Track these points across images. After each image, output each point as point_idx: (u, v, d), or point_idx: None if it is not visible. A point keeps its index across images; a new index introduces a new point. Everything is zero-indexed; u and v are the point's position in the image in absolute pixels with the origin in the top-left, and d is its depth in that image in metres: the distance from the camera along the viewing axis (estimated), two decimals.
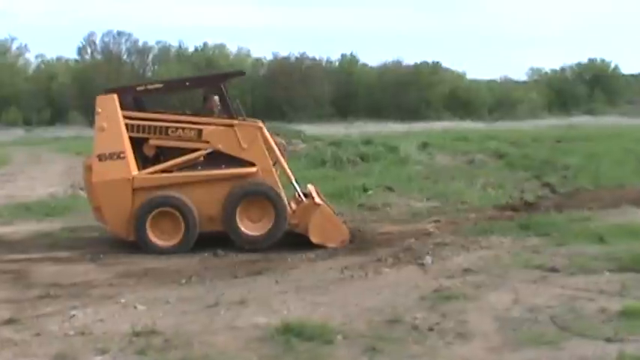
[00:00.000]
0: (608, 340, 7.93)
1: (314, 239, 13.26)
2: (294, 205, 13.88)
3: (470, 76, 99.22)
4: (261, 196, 13.35)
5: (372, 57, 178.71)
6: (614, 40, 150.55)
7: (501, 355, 7.72)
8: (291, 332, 8.28)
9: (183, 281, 11.12)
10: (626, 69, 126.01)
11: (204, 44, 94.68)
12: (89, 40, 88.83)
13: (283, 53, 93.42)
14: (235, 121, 13.58)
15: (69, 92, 78.22)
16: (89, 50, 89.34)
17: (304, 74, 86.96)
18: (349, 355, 7.78)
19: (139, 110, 13.67)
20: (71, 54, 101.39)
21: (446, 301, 9.59)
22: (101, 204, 13.27)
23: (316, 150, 29.31)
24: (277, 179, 13.70)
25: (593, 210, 16.15)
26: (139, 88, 14.02)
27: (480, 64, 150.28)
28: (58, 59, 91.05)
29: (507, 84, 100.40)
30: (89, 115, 47.51)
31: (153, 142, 13.47)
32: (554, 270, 11.02)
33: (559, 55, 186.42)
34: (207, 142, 13.47)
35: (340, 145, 31.03)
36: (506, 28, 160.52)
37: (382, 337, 8.28)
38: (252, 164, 13.47)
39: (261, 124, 13.79)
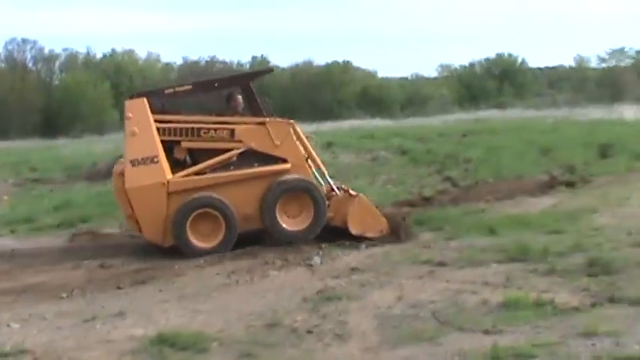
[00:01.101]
0: (486, 332, 7.86)
1: (353, 230, 13.23)
2: (327, 199, 13.66)
3: (382, 74, 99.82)
4: (300, 191, 13.29)
5: (284, 58, 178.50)
6: (521, 34, 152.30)
7: (378, 354, 7.58)
8: (165, 342, 8.07)
9: (64, 295, 10.77)
10: (534, 62, 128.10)
11: (113, 50, 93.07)
12: None
13: (193, 57, 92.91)
14: (267, 119, 13.45)
15: None
16: None
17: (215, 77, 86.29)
18: None
19: (164, 113, 13.42)
20: None
21: (328, 302, 9.43)
22: (135, 211, 12.99)
23: None
24: (311, 173, 13.68)
25: (489, 202, 16.30)
26: (167, 91, 13.83)
27: (391, 62, 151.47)
28: None
29: (418, 81, 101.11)
30: None
31: (185, 144, 13.28)
32: (442, 264, 10.98)
33: (468, 51, 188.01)
34: (240, 141, 13.32)
35: None
36: (416, 26, 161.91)
37: (259, 342, 8.10)
38: (285, 160, 13.39)
39: (292, 121, 13.72)
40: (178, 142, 13.28)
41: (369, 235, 13.19)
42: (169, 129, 13.17)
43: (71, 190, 23.98)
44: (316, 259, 11.81)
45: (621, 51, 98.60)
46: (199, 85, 14.75)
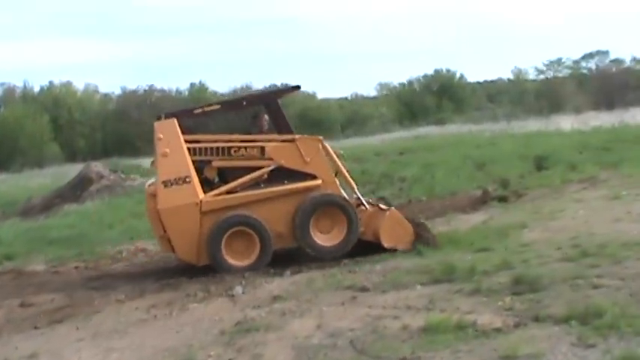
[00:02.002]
0: (404, 359, 7.55)
1: (386, 244, 13.31)
2: (360, 212, 13.75)
3: (321, 95, 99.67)
4: (333, 207, 13.41)
5: (222, 84, 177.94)
6: (460, 50, 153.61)
7: None
8: None
9: None
10: (473, 77, 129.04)
11: (50, 83, 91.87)
12: None
13: (131, 87, 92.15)
14: (297, 136, 13.61)
15: None
16: None
17: (154, 106, 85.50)
18: None
19: (193, 133, 13.56)
20: None
21: (246, 333, 9.12)
22: (169, 231, 13.06)
23: None
24: (340, 189, 13.79)
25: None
26: (196, 111, 14.09)
27: (330, 82, 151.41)
28: None
29: (358, 100, 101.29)
30: None
31: (216, 163, 13.39)
32: (364, 289, 10.68)
33: (407, 68, 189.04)
34: (271, 158, 13.46)
35: None
36: (354, 46, 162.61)
37: None
38: (314, 177, 13.51)
39: (320, 137, 13.88)
40: (209, 162, 13.36)
41: (400, 247, 13.30)
42: (200, 149, 13.29)
43: (1, 227, 23.44)
44: (238, 289, 11.48)
45: (558, 62, 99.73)
46: (228, 104, 15.17)
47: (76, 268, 15.48)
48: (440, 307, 9.35)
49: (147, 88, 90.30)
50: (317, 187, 13.49)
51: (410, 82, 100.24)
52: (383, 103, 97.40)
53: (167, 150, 12.96)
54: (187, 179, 12.91)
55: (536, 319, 8.43)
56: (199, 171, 13.24)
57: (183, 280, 12.69)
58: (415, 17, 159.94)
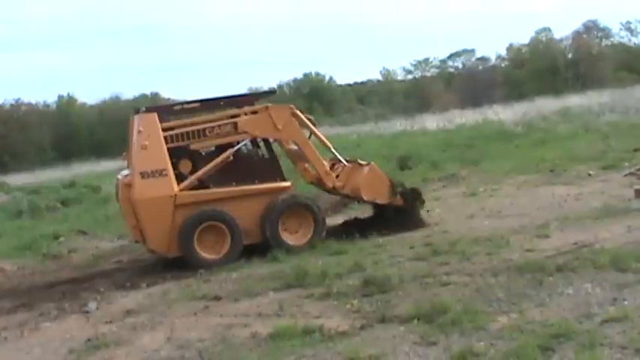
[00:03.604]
0: None
1: (365, 196, 14.29)
2: (339, 169, 14.56)
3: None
4: (301, 207, 13.90)
5: (90, 95, 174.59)
6: (328, 53, 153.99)
7: None
8: None
9: None
10: (343, 79, 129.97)
11: None
12: None
13: None
14: (269, 105, 14.26)
15: None
16: None
17: (21, 121, 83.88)
18: None
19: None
20: None
21: (95, 350, 9.01)
22: (142, 221, 13.22)
23: (14, 201, 27.86)
24: (316, 151, 14.43)
25: None
26: (176, 107, 14.49)
27: (201, 90, 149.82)
28: None
29: None
30: None
31: (194, 146, 13.71)
32: (217, 298, 10.67)
33: (276, 73, 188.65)
34: (245, 132, 13.95)
35: (40, 192, 29.67)
36: (224, 52, 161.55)
37: None
38: (283, 178, 14.18)
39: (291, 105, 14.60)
40: (187, 147, 13.66)
41: (379, 201, 14.26)
42: (177, 135, 13.59)
43: None
44: (91, 305, 11.33)
45: (426, 61, 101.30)
46: (206, 103, 15.10)
47: None
48: (290, 312, 9.43)
49: (13, 102, 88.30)
50: (287, 188, 14.04)
51: (280, 87, 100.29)
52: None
53: (146, 143, 13.14)
54: (164, 172, 13.15)
55: (383, 320, 8.58)
56: (174, 166, 13.45)
57: (39, 298, 12.42)
58: (283, 22, 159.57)
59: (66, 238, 18.65)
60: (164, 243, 13.26)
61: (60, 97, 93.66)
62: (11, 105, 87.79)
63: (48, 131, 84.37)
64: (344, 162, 14.66)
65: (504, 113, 41.68)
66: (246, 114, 14.09)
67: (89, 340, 9.45)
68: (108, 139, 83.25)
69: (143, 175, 13.07)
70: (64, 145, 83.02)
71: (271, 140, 14.44)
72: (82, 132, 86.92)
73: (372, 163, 14.66)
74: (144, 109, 13.89)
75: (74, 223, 21.09)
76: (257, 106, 14.25)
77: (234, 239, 13.30)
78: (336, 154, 14.74)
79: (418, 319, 8.35)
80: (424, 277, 10.18)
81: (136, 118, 13.50)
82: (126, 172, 14.07)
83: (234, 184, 13.74)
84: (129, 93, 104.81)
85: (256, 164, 14.22)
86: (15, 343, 10.08)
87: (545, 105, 43.64)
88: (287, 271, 11.44)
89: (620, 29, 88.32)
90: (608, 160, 19.67)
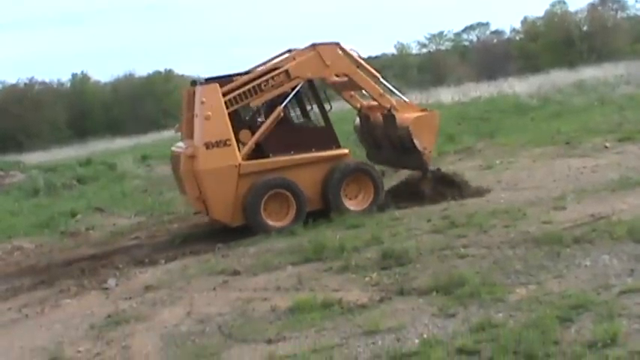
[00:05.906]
0: (269, 341, 7.68)
1: (413, 131, 14.20)
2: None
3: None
4: (361, 174, 14.20)
5: (104, 73, 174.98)
6: (341, 27, 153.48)
7: None
8: None
9: None
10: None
11: None
12: None
13: (11, 81, 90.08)
14: (316, 42, 14.34)
15: None
16: None
17: (35, 100, 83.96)
18: None
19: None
20: None
21: (116, 326, 9.09)
22: (205, 192, 13.40)
23: (30, 179, 27.86)
24: (367, 77, 14.68)
25: None
26: (234, 78, 14.22)
27: (214, 66, 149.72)
28: None
29: None
30: None
31: (254, 103, 13.97)
32: (236, 273, 10.70)
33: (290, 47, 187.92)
34: (298, 76, 14.10)
35: (56, 170, 29.64)
36: (233, 29, 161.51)
37: None
38: (340, 147, 14.34)
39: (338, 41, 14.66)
40: (247, 105, 14.00)
41: (418, 144, 14.29)
42: (236, 97, 13.68)
43: None
44: (111, 282, 11.38)
45: (440, 35, 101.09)
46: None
47: None
48: (309, 286, 9.48)
49: (27, 81, 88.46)
50: (345, 155, 14.22)
51: None
52: None
53: (209, 113, 13.29)
54: (228, 142, 13.32)
55: (402, 293, 8.62)
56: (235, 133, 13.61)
57: (59, 275, 12.48)
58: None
59: (83, 215, 18.66)
60: (228, 212, 13.48)
61: (74, 75, 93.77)
62: (25, 84, 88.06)
63: (62, 110, 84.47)
64: (403, 98, 15.15)
65: (519, 86, 41.37)
66: (294, 58, 14.18)
67: (109, 316, 9.54)
68: (122, 116, 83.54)
69: (207, 145, 13.23)
70: (78, 123, 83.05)
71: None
72: (96, 110, 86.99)
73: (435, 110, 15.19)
74: (203, 80, 13.92)
75: (91, 200, 21.06)
76: (304, 49, 14.35)
77: (299, 206, 13.54)
78: (386, 83, 15.19)
79: (437, 292, 8.41)
80: (442, 250, 10.19)
81: (199, 88, 13.59)
82: (181, 144, 14.25)
83: (292, 153, 13.90)
84: (142, 70, 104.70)
85: (312, 133, 14.44)
86: (36, 319, 10.13)
87: (560, 77, 43.36)
88: (305, 244, 11.50)
89: (636, 2, 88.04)
90: (624, 132, 19.52)
